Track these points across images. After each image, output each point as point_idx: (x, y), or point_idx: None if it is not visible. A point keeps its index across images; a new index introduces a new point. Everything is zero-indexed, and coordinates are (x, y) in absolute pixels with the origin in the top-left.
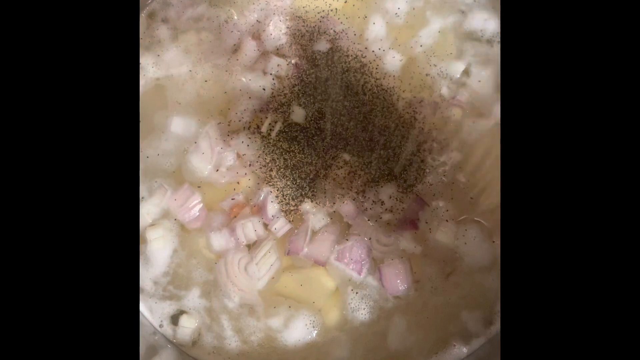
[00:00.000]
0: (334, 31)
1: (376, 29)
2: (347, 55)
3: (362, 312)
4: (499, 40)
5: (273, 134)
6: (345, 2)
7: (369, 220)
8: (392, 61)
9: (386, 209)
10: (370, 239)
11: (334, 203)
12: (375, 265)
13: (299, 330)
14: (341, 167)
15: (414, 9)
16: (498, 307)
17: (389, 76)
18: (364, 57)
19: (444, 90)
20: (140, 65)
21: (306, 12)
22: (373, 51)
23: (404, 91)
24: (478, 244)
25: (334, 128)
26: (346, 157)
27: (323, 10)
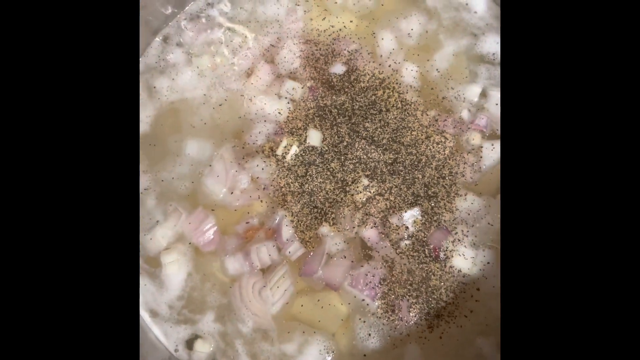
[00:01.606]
0: (348, 51)
1: (385, 44)
2: (365, 74)
3: (372, 341)
4: None
5: (288, 157)
6: (351, 21)
7: (392, 246)
8: (410, 73)
9: (409, 235)
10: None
11: (354, 228)
12: (396, 299)
13: (313, 356)
14: (361, 192)
15: (427, 31)
16: None
17: (412, 88)
18: (381, 74)
19: (464, 114)
20: (155, 89)
21: (318, 35)
22: (390, 65)
23: (427, 108)
24: (494, 270)
25: (354, 151)
26: (365, 181)
27: (334, 32)
